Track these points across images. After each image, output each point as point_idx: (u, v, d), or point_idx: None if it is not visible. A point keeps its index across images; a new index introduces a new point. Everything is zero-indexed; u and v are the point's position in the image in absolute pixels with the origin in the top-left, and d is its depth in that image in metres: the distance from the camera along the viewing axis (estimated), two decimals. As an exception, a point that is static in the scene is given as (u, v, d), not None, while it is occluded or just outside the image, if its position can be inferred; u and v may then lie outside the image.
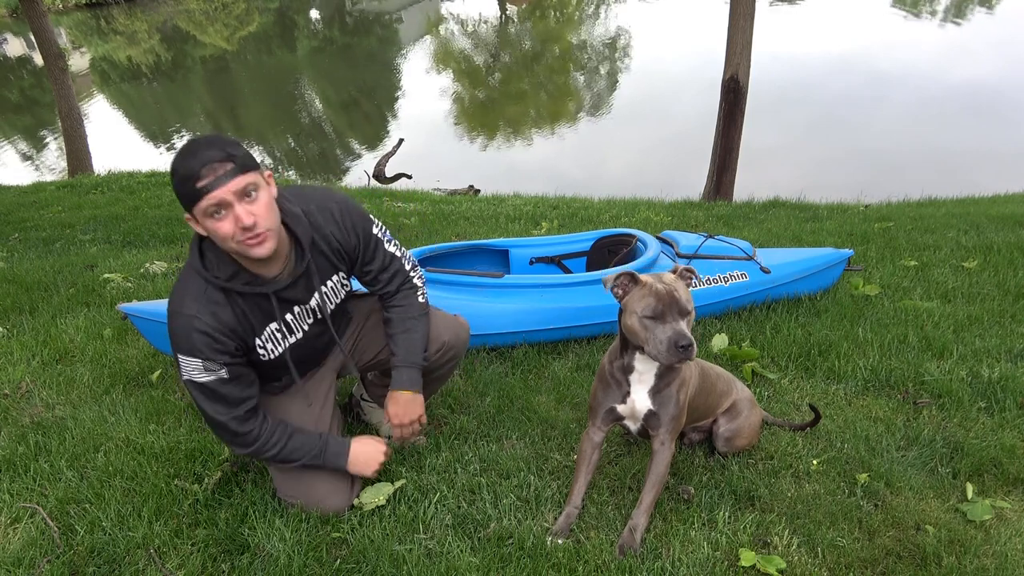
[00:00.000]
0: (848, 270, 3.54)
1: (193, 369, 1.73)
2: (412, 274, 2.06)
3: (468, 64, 17.44)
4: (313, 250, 1.82)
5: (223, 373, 1.75)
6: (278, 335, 1.85)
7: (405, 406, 2.01)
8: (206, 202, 1.55)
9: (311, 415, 2.04)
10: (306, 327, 1.92)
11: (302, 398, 2.04)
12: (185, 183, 1.54)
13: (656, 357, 1.69)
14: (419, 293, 2.07)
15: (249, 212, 1.58)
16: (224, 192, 1.54)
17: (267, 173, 1.67)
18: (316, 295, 1.88)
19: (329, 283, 1.92)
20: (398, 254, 2.02)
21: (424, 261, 3.18)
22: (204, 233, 1.63)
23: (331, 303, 1.94)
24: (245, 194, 1.58)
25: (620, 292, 1.78)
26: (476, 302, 2.85)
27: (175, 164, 1.57)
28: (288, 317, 1.86)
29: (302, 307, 1.88)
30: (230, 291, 1.72)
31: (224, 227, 1.58)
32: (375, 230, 1.95)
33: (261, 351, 1.84)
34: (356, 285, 2.21)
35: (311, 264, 1.82)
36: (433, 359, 2.12)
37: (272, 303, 1.79)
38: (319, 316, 1.93)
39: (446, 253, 3.32)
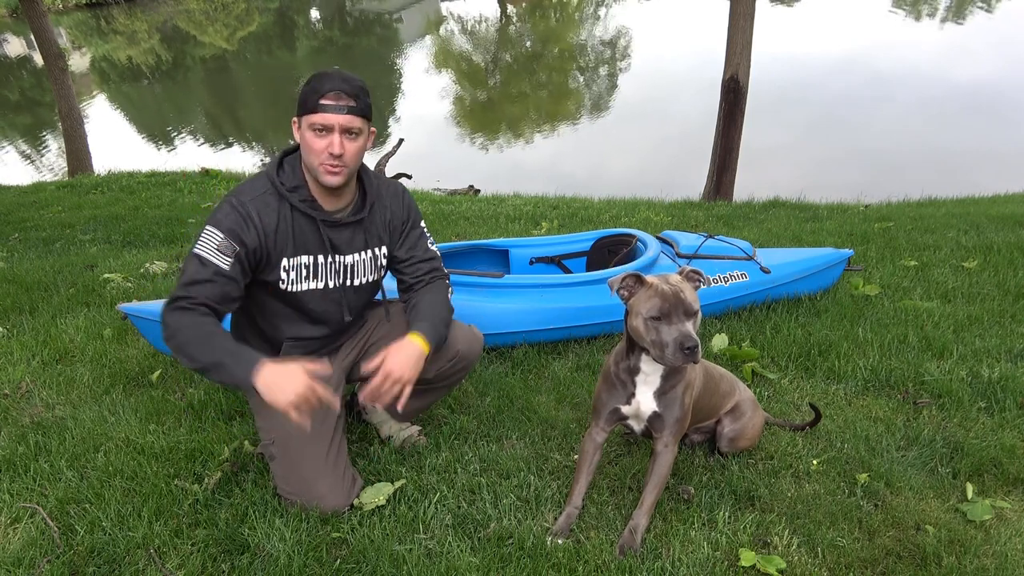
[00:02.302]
0: (848, 270, 3.54)
1: (208, 243, 1.79)
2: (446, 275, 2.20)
3: (468, 64, 17.44)
4: (370, 213, 1.99)
5: (226, 265, 1.79)
6: (304, 270, 1.93)
7: (405, 357, 1.82)
8: (317, 118, 1.77)
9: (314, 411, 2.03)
10: (329, 282, 1.99)
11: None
12: (311, 94, 1.77)
13: (661, 359, 1.69)
14: (450, 290, 2.18)
15: (343, 145, 1.79)
16: (335, 119, 1.77)
17: (372, 129, 1.89)
18: (352, 256, 1.99)
19: (369, 252, 2.03)
20: (438, 254, 2.18)
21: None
22: (297, 140, 1.86)
23: (360, 276, 2.03)
24: (349, 132, 1.80)
25: (626, 294, 1.77)
26: (476, 302, 2.85)
27: (312, 76, 1.80)
28: (320, 258, 1.94)
29: (336, 257, 1.96)
30: (285, 201, 1.86)
31: (318, 144, 1.79)
32: (423, 224, 2.16)
33: (283, 275, 1.91)
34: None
35: (366, 219, 1.98)
36: (445, 367, 2.13)
37: (318, 231, 1.90)
38: (344, 282, 2.01)
39: (446, 253, 3.32)
